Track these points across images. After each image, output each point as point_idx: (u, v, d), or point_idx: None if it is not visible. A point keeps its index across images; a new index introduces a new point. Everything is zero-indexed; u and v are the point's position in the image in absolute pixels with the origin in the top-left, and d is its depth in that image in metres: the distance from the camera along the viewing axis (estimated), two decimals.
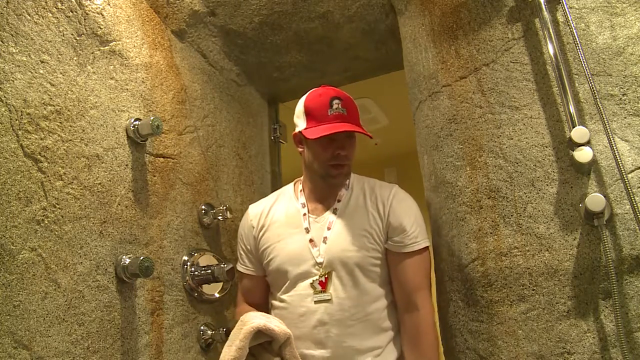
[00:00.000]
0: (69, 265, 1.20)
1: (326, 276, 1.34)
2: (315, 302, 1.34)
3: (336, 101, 1.36)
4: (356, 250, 1.34)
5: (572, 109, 1.20)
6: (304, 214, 1.44)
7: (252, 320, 1.23)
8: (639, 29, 1.22)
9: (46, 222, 1.17)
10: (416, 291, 1.33)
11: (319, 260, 1.36)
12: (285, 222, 1.46)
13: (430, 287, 1.37)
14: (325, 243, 1.37)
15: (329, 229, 1.39)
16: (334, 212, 1.41)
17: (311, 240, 1.39)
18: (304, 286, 1.36)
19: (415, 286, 1.34)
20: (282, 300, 1.41)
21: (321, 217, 1.42)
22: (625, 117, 1.19)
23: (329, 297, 1.33)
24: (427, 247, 1.38)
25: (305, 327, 1.34)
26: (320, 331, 1.32)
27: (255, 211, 1.53)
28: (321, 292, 1.34)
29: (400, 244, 1.35)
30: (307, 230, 1.40)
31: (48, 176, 1.19)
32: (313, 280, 1.35)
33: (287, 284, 1.40)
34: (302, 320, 1.35)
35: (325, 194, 1.45)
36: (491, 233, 1.29)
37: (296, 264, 1.38)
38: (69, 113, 1.28)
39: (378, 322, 1.34)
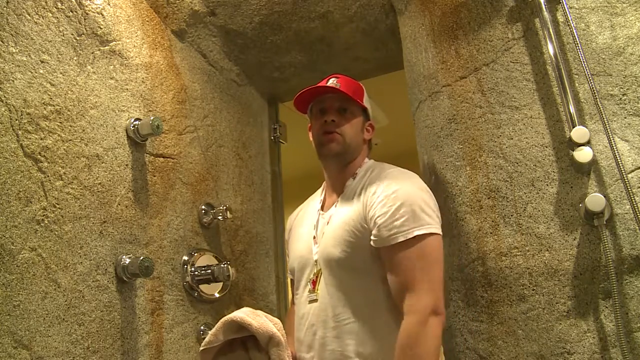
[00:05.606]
0: (69, 265, 1.20)
1: (317, 275, 1.27)
2: (309, 302, 1.27)
3: (332, 79, 1.35)
4: (334, 246, 1.23)
5: (572, 109, 1.20)
6: (318, 209, 1.38)
7: (234, 312, 1.23)
8: (639, 29, 1.22)
9: (46, 222, 1.17)
10: (404, 292, 1.12)
11: (315, 258, 1.29)
12: (303, 221, 1.42)
13: (430, 285, 1.11)
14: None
15: (328, 223, 1.30)
16: (336, 205, 1.31)
17: (314, 237, 1.32)
18: (304, 287, 1.31)
19: (402, 287, 1.13)
20: (295, 304, 1.36)
21: (327, 212, 1.33)
22: (625, 117, 1.19)
23: (316, 297, 1.25)
24: (421, 236, 1.13)
25: (302, 329, 1.29)
26: (309, 333, 1.25)
27: (292, 214, 1.51)
28: (311, 291, 1.27)
29: (378, 237, 1.16)
30: (315, 227, 1.34)
31: (48, 176, 1.19)
32: (309, 280, 1.29)
33: (297, 285, 1.35)
34: (301, 322, 1.30)
35: (335, 184, 1.36)
36: (491, 233, 1.29)
37: (301, 263, 1.34)
38: (69, 113, 1.28)
39: (369, 326, 1.18)
